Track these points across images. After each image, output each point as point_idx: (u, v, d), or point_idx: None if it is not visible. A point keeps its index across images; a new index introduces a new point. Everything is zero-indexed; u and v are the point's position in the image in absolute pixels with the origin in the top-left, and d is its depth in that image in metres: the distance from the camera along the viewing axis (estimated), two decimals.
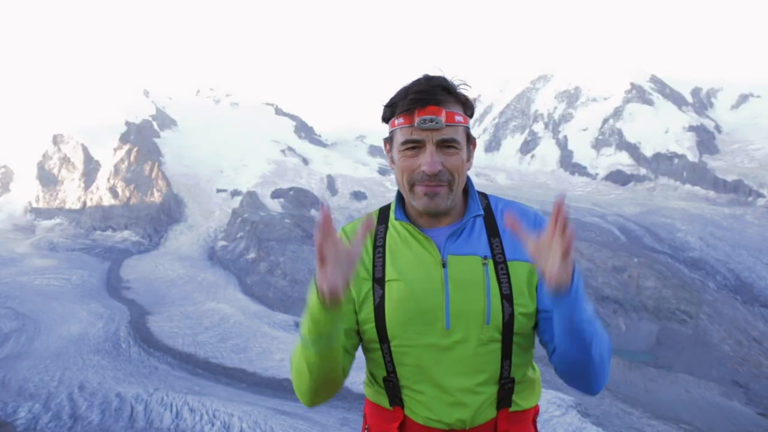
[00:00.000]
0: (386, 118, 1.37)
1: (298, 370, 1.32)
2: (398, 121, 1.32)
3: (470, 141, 1.38)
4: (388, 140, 1.40)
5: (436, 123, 1.26)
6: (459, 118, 1.30)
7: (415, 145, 1.30)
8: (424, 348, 1.31)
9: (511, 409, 1.36)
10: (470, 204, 1.40)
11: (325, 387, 1.34)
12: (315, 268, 1.18)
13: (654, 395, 21.52)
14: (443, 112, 1.27)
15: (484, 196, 1.46)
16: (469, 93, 1.36)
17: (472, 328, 1.29)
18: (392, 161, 1.38)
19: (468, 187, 1.42)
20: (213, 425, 13.35)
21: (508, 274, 1.32)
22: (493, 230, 1.37)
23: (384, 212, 1.46)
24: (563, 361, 1.30)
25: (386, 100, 1.36)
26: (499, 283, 1.31)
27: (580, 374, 1.31)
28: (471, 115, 1.36)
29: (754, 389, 25.71)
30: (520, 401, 1.37)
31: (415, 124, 1.27)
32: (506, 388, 1.33)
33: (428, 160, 1.28)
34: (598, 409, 16.57)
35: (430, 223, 1.38)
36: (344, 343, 1.36)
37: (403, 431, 1.37)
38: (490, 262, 1.32)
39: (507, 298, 1.30)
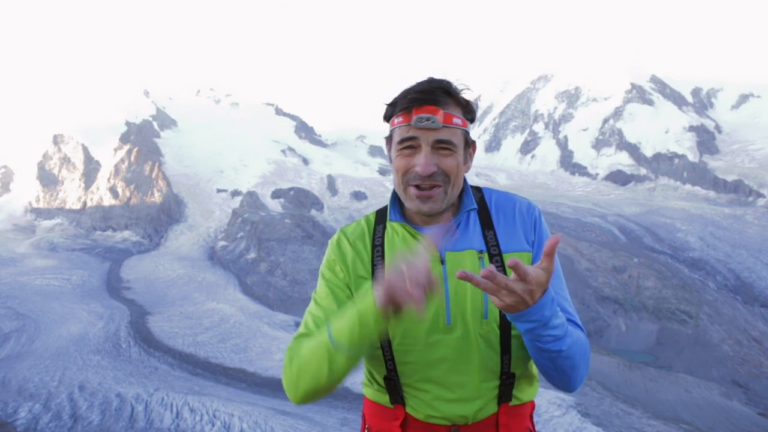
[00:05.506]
0: (387, 117, 1.39)
1: (309, 370, 1.24)
2: (397, 119, 1.33)
3: (469, 145, 1.38)
4: (388, 139, 1.41)
5: (432, 122, 1.27)
6: (457, 121, 1.31)
7: (411, 144, 1.31)
8: (426, 345, 1.32)
9: (511, 404, 1.36)
10: (464, 199, 1.41)
11: (330, 389, 1.28)
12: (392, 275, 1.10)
13: (654, 395, 21.50)
14: (440, 113, 1.28)
15: (477, 190, 1.47)
16: (471, 96, 1.36)
17: (471, 323, 1.30)
18: (391, 160, 1.39)
19: (462, 183, 1.43)
20: (213, 425, 13.35)
21: (503, 266, 1.32)
22: (487, 223, 1.38)
23: (381, 213, 1.48)
24: (535, 364, 1.31)
25: (387, 100, 1.37)
26: None
27: (551, 379, 1.31)
28: (472, 120, 1.36)
29: (754, 389, 25.71)
30: (520, 395, 1.38)
31: (412, 122, 1.28)
32: (507, 383, 1.34)
33: (422, 161, 1.29)
34: (598, 409, 16.57)
35: (426, 220, 1.39)
36: None
37: (405, 429, 1.37)
38: (486, 256, 1.33)
39: None
